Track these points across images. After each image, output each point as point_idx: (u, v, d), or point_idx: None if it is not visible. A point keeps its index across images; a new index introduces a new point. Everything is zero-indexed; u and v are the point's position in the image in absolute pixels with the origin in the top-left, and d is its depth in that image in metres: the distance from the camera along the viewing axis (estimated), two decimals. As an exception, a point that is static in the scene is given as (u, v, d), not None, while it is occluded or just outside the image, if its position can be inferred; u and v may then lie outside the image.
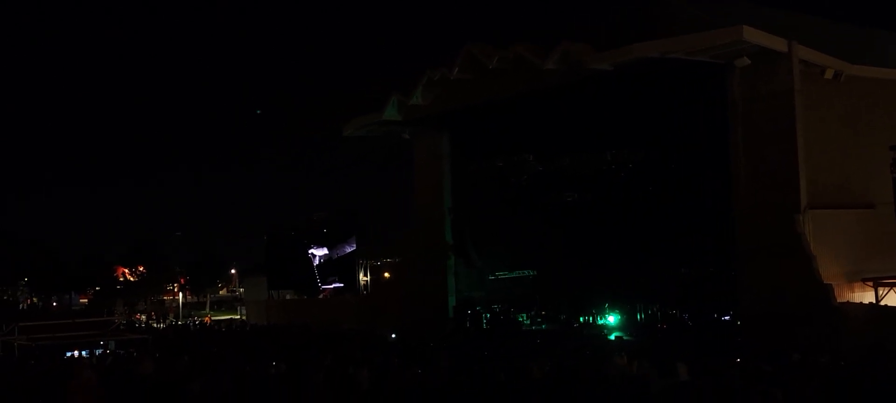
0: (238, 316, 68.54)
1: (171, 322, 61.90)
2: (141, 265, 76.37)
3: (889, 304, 31.32)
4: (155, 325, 58.19)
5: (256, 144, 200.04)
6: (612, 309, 40.08)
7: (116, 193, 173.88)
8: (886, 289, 32.14)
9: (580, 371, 8.90)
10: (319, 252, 54.92)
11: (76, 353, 34.51)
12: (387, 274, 67.89)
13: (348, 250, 54.66)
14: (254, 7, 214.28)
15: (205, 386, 10.21)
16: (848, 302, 31.65)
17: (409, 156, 50.72)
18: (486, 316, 44.42)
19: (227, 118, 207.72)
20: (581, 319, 40.58)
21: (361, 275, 55.42)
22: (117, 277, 77.77)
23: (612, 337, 37.36)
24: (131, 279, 77.39)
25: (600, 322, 39.95)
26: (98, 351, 35.85)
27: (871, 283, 33.04)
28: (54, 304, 71.20)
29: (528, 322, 42.89)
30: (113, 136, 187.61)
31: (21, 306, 74.09)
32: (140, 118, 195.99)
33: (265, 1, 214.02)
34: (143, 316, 66.98)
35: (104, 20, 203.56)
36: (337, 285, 54.66)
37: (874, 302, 32.22)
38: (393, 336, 38.39)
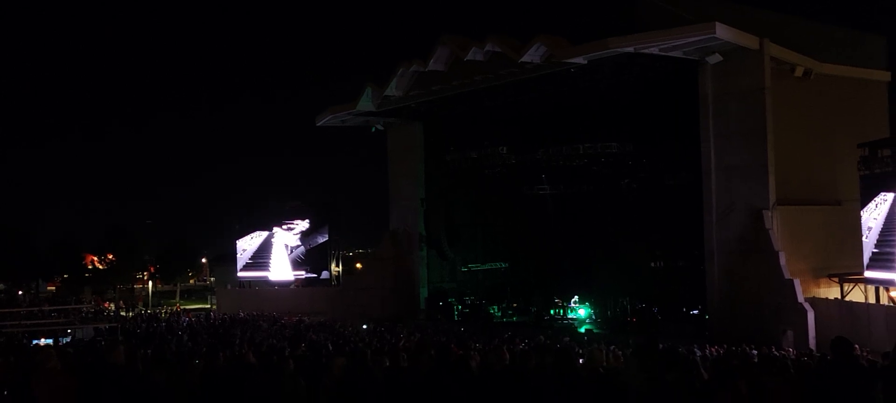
0: (209, 306, 68.12)
1: (141, 311, 61.26)
2: (110, 253, 75.54)
3: (854, 300, 31.77)
4: (124, 314, 57.54)
5: (229, 132, 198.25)
6: (583, 301, 40.37)
7: (87, 178, 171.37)
8: (852, 285, 32.60)
9: (557, 364, 8.91)
10: (292, 242, 54.69)
11: (42, 341, 34.09)
12: (359, 265, 67.82)
13: (321, 240, 54.49)
14: (233, 7, 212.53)
15: (172, 377, 10.12)
16: (814, 297, 32.13)
17: (383, 146, 50.69)
18: (457, 307, 44.54)
19: (198, 105, 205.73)
20: (552, 312, 40.80)
21: (334, 266, 55.23)
22: (86, 265, 76.89)
23: (583, 330, 37.65)
24: (100, 267, 76.57)
25: (571, 315, 40.19)
26: (65, 340, 35.45)
27: (836, 279, 33.55)
28: (21, 293, 70.15)
29: (500, 314, 43.06)
30: (82, 119, 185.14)
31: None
32: (112, 104, 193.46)
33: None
34: (112, 305, 66.28)
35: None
36: (309, 275, 54.48)
37: (839, 297, 32.70)
38: (365, 326, 38.34)
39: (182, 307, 66.28)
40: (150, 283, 77.36)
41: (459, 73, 39.54)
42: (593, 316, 39.80)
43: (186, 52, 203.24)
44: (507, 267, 44.95)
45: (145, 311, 59.85)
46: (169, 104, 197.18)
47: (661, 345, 11.35)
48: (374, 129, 48.97)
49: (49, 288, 78.83)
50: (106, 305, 65.06)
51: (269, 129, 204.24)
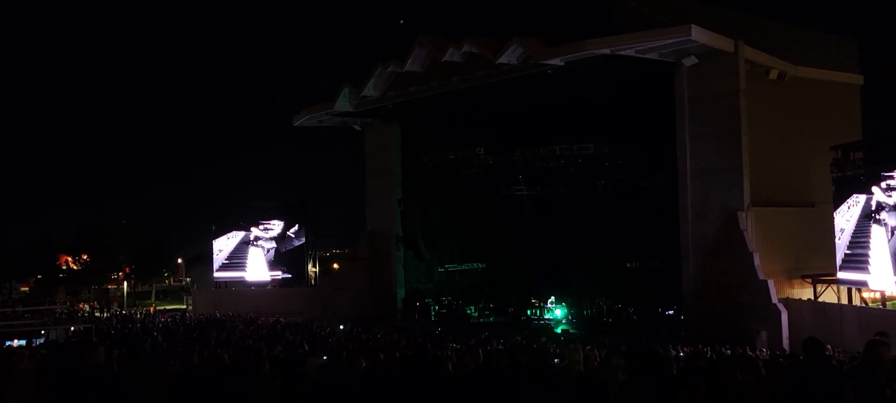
0: (184, 306, 67.66)
1: (115, 311, 60.72)
2: (85, 253, 74.87)
3: (827, 300, 32.11)
4: (98, 315, 57.01)
5: (205, 132, 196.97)
6: (559, 302, 40.50)
7: (61, 178, 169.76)
8: (824, 286, 32.94)
9: (533, 364, 8.95)
10: (268, 242, 54.46)
11: (15, 343, 33.75)
12: (336, 265, 67.63)
13: (297, 242, 54.30)
14: (209, 5, 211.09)
15: (147, 378, 10.06)
16: (788, 297, 32.45)
17: (360, 146, 50.63)
18: (434, 308, 44.55)
19: (176, 106, 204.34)
20: (528, 312, 40.90)
21: (310, 266, 55.03)
22: (60, 265, 76.17)
23: (559, 330, 37.80)
24: (75, 267, 75.88)
25: (547, 315, 40.32)
26: (39, 341, 35.11)
27: (809, 280, 33.89)
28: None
29: (477, 314, 43.12)
30: (56, 120, 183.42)
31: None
32: (86, 105, 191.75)
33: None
34: (86, 306, 65.63)
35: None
36: (285, 275, 54.26)
37: (812, 298, 33.04)
38: (341, 327, 38.24)
39: (157, 307, 65.74)
40: (125, 284, 76.67)
41: (437, 74, 39.59)
42: (570, 317, 39.96)
43: (161, 53, 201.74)
44: (483, 267, 45.03)
45: (120, 312, 59.28)
46: (145, 105, 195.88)
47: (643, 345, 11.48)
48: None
49: (22, 288, 77.98)
50: (80, 306, 64.42)
51: (246, 130, 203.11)
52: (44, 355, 17.09)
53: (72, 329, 40.35)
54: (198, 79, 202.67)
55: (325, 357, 13.45)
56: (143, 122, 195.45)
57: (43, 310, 48.85)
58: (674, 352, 21.68)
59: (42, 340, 35.91)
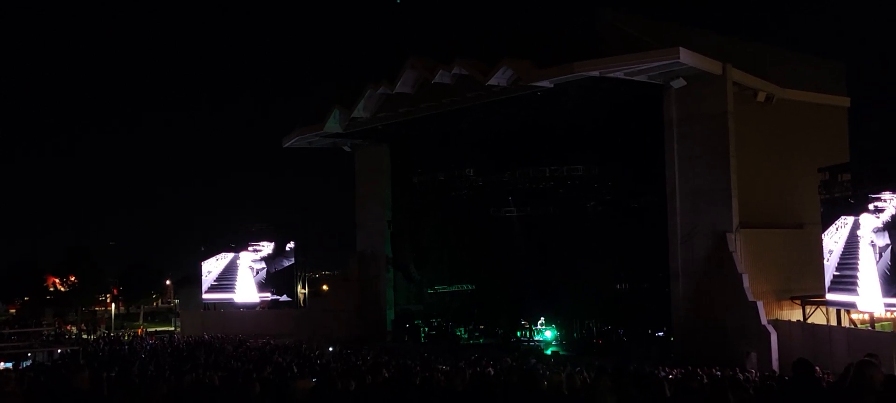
0: (173, 328, 67.24)
1: (103, 333, 60.30)
2: (72, 274, 74.41)
3: (816, 322, 32.16)
4: (86, 337, 56.63)
5: (195, 152, 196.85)
6: (549, 323, 40.43)
7: (48, 201, 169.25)
8: (813, 307, 32.99)
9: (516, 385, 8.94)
10: (257, 263, 54.27)
11: (2, 365, 33.46)
12: (325, 287, 67.34)
13: (286, 262, 54.14)
14: (196, 15, 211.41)
15: (136, 400, 9.99)
16: (777, 319, 32.48)
17: (350, 167, 50.60)
18: (424, 329, 44.42)
19: (163, 124, 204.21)
20: (518, 334, 40.80)
21: (300, 288, 54.84)
22: (47, 286, 75.64)
23: (549, 352, 37.73)
24: (62, 289, 75.41)
25: (537, 336, 40.23)
26: (26, 363, 34.81)
27: (798, 301, 33.94)
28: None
29: (466, 336, 43.01)
30: (44, 138, 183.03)
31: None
32: (73, 124, 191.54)
33: (207, 10, 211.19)
34: (74, 328, 65.18)
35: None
36: (275, 297, 54.04)
37: (802, 319, 33.09)
38: (331, 348, 38.06)
39: (145, 329, 65.32)
40: (113, 305, 76.17)
41: (427, 96, 39.64)
42: (559, 338, 39.88)
43: (147, 68, 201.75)
44: (473, 289, 44.94)
45: (108, 334, 58.87)
46: (130, 121, 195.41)
47: (632, 367, 11.47)
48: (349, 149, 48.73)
49: (9, 310, 77.44)
50: (68, 328, 63.98)
51: (237, 150, 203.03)
52: (31, 378, 16.94)
53: (59, 351, 40.03)
54: (186, 95, 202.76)
55: (314, 380, 13.39)
56: (131, 136, 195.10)
57: (30, 332, 48.50)
58: (664, 374, 21.64)
59: (29, 362, 35.58)
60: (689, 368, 25.62)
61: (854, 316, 31.28)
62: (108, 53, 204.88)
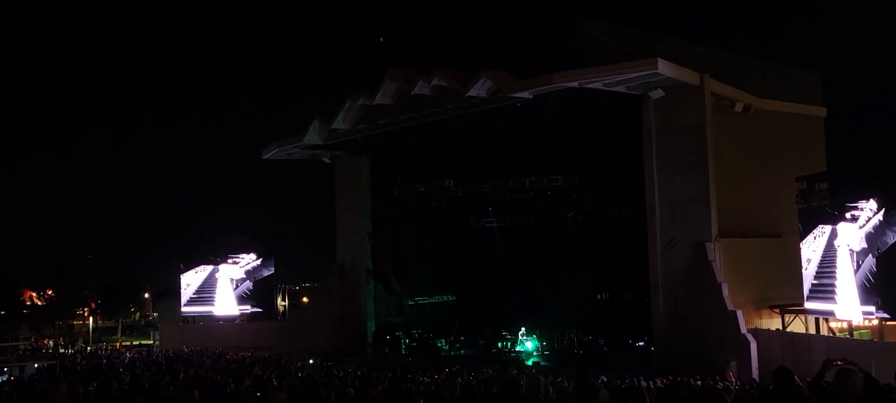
0: (151, 342, 66.70)
1: (81, 347, 59.70)
2: (50, 288, 73.73)
3: (795, 330, 32.33)
4: (63, 351, 56.03)
5: (173, 165, 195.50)
6: (530, 334, 40.43)
7: (26, 211, 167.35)
8: (792, 316, 33.16)
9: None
10: (237, 276, 53.96)
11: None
12: (305, 299, 67.09)
13: (266, 274, 53.87)
14: (178, 26, 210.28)
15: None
16: (756, 328, 32.63)
17: (330, 179, 50.46)
18: (405, 341, 44.31)
19: (142, 137, 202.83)
20: (499, 345, 40.78)
21: (280, 300, 54.59)
22: (24, 300, 74.87)
23: (530, 363, 37.70)
24: (39, 303, 74.67)
25: (519, 347, 40.22)
26: (1, 379, 34.36)
27: (777, 310, 34.10)
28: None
29: (447, 347, 42.93)
30: (17, 149, 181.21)
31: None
32: (50, 136, 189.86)
33: (188, 20, 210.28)
34: (51, 342, 64.51)
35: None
36: (254, 309, 53.75)
37: (781, 328, 33.25)
38: (311, 361, 37.84)
39: (123, 343, 64.74)
40: (91, 319, 75.48)
41: (406, 107, 39.64)
42: (540, 349, 39.88)
43: (127, 78, 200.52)
44: (454, 299, 44.92)
45: (86, 348, 58.30)
46: (110, 130, 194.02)
47: (602, 378, 11.42)
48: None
49: (-16, 325, 76.55)
50: (45, 342, 63.31)
51: (215, 163, 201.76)
52: (6, 393, 16.72)
53: (36, 365, 39.54)
54: (165, 104, 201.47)
55: (291, 392, 13.27)
56: (101, 152, 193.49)
57: (6, 347, 47.97)
58: (644, 384, 21.67)
59: (5, 378, 35.11)
60: (671, 378, 25.69)
61: (832, 325, 31.47)
62: (87, 67, 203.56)
